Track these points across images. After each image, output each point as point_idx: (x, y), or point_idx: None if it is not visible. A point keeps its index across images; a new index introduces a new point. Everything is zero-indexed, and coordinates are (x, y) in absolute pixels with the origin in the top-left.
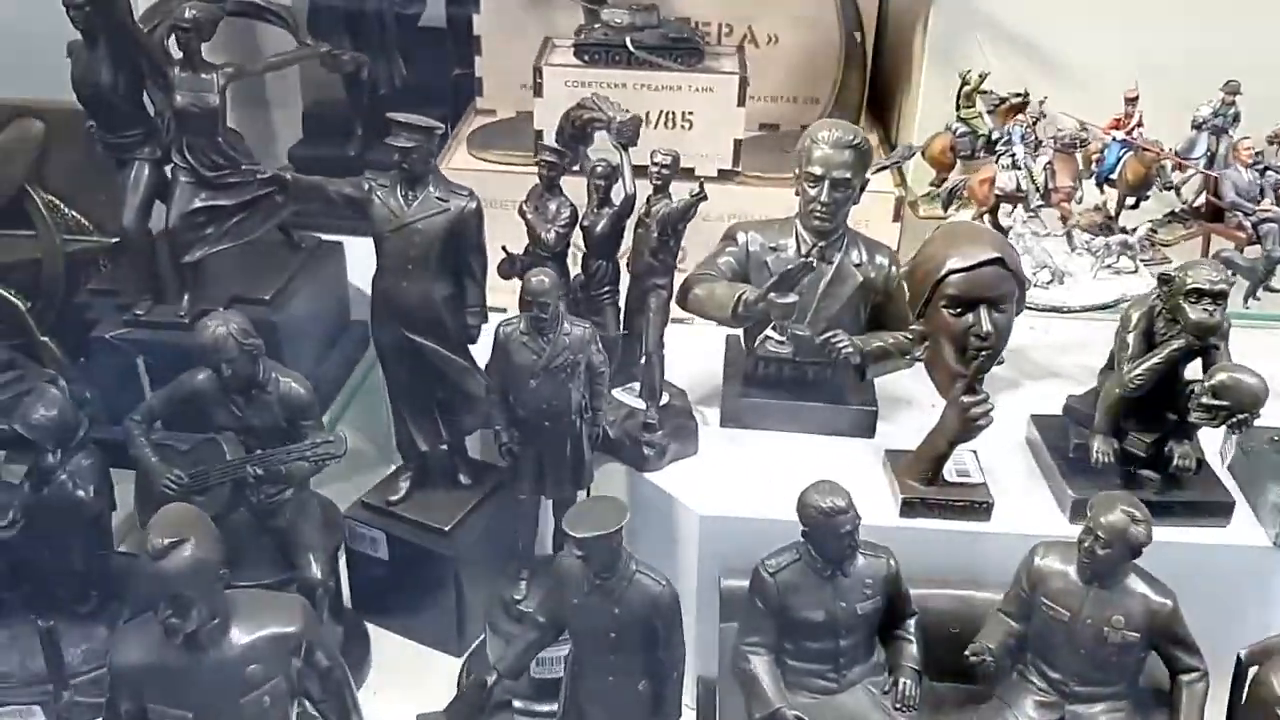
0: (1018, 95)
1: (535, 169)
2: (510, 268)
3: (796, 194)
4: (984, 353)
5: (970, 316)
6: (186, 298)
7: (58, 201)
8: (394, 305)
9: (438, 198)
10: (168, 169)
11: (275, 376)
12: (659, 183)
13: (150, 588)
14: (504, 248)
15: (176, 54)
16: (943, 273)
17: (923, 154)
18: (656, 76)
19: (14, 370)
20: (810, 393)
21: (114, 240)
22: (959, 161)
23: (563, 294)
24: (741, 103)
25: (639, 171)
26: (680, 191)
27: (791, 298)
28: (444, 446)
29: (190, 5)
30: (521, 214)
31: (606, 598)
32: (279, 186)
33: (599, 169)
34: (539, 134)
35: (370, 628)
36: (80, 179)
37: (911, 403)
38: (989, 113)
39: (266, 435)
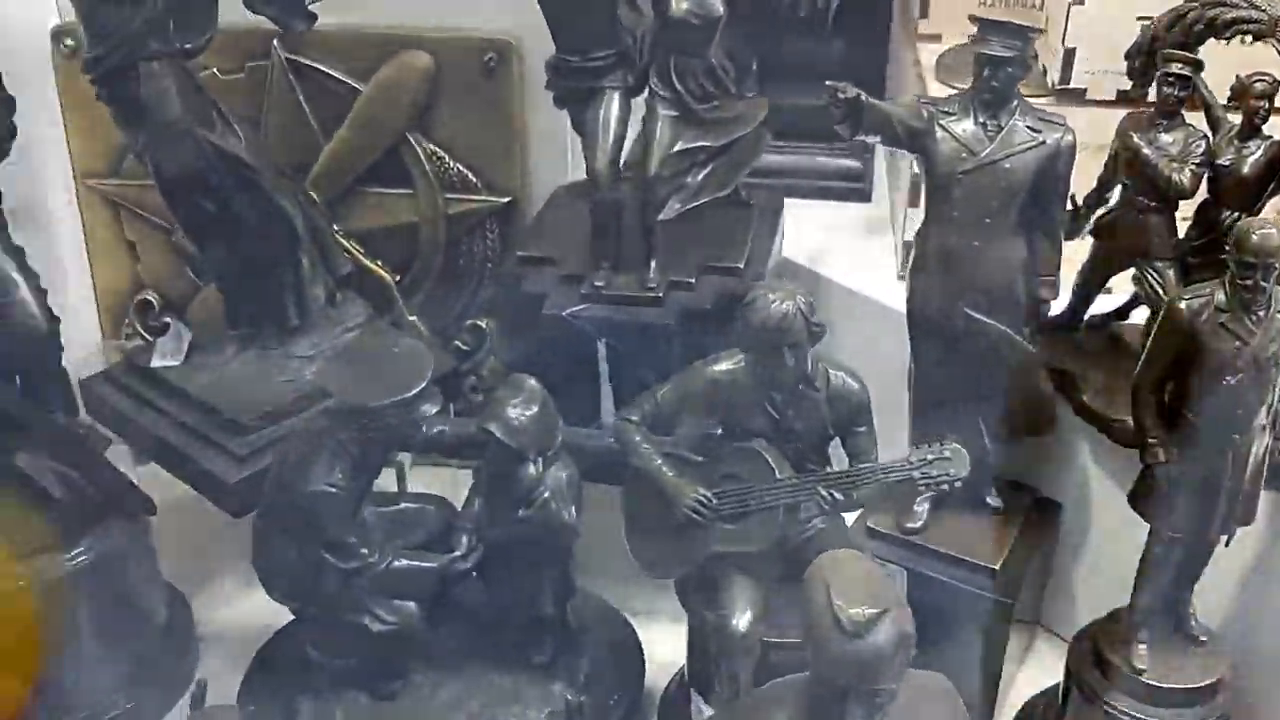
0: None
1: (1144, 92)
2: (1075, 226)
3: None
4: None
5: None
6: (654, 265)
7: (442, 153)
8: (957, 269)
9: (1028, 128)
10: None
11: (824, 369)
12: None
13: (838, 672)
14: (1073, 197)
15: None
16: None
17: None
18: None
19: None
20: None
21: (505, 200)
22: None
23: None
24: None
25: None
26: None
27: None
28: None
29: None
30: (1126, 150)
31: None
32: (851, 112)
33: (1258, 86)
34: (1070, 51)
35: None
36: (470, 127)
37: None
38: None
39: (808, 443)
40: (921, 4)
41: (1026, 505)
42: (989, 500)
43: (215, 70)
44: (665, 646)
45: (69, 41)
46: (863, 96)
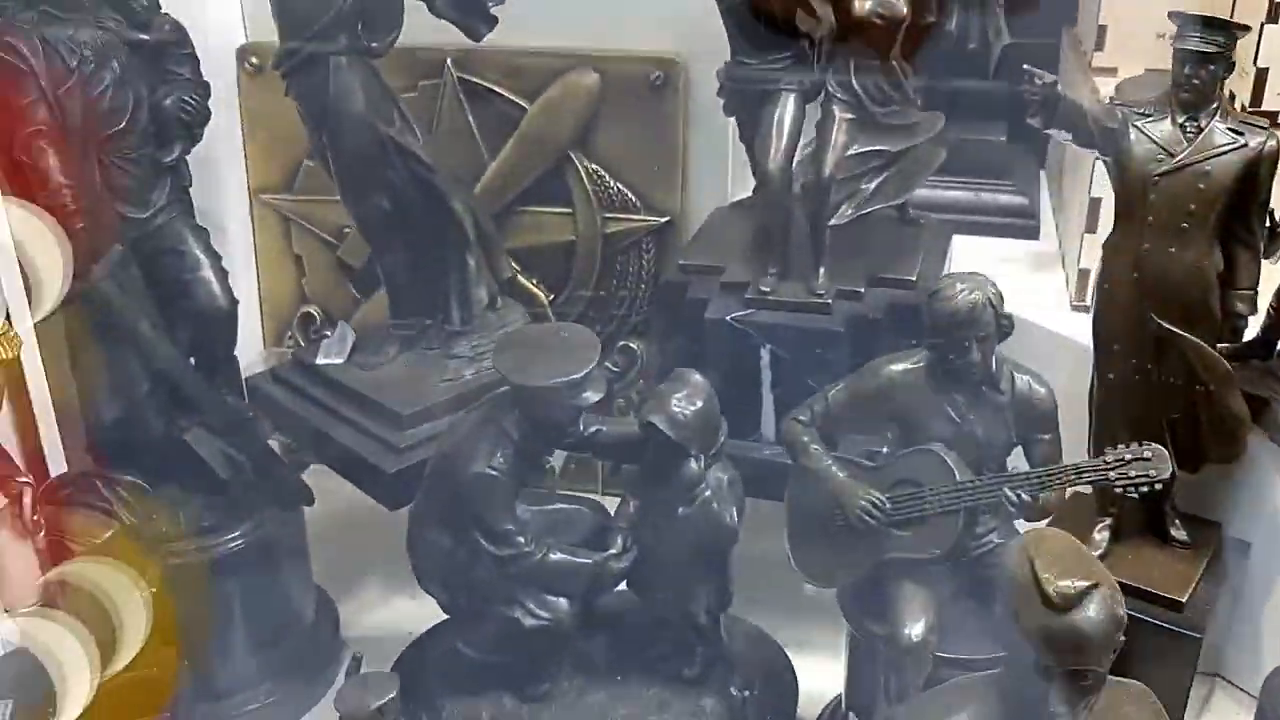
0: None
1: None
2: (1273, 246)
3: None
4: None
5: None
6: (823, 272)
7: (603, 172)
8: (1150, 281)
9: (1230, 129)
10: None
11: (1009, 370)
12: None
13: (1043, 651)
14: (1271, 213)
15: None
16: None
17: None
18: None
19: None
20: None
21: (663, 220)
22: None
23: None
24: None
25: None
26: None
27: None
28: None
29: None
30: None
31: None
32: (1046, 101)
33: None
34: (1262, 72)
35: None
36: (632, 146)
37: None
38: None
39: (988, 451)
40: (1098, 37)
41: (1213, 542)
42: (1173, 533)
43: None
44: (819, 678)
45: (254, 60)
46: (1058, 84)
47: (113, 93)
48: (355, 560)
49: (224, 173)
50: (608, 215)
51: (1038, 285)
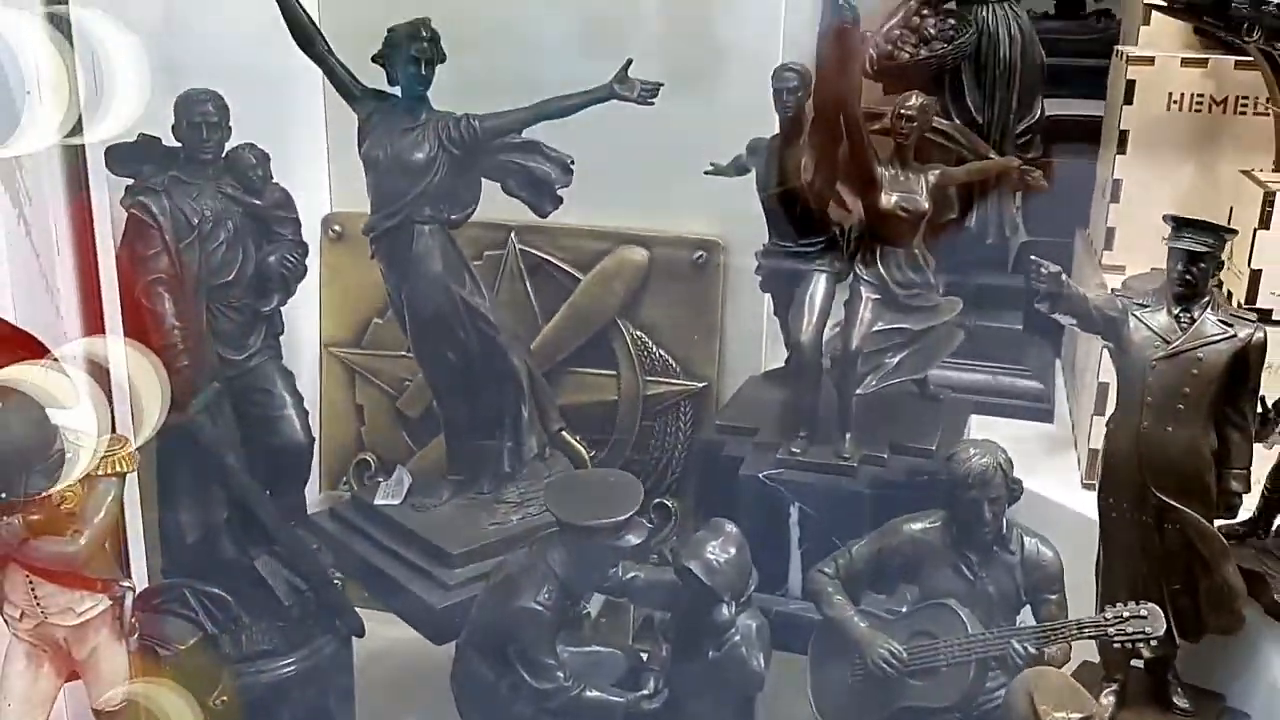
0: None
1: None
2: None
3: None
4: None
5: None
6: (849, 437)
7: (646, 339)
8: (1149, 456)
9: (1220, 321)
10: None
11: (1019, 533)
12: None
13: None
14: (1263, 399)
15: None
16: None
17: None
18: None
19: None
20: None
21: (701, 385)
22: None
23: None
24: None
25: None
26: None
27: None
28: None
29: (916, 93)
30: None
31: None
32: (1052, 289)
33: None
34: (1255, 273)
35: None
36: (675, 316)
37: None
38: None
39: (1000, 608)
40: (1107, 238)
41: (1215, 712)
42: (1176, 701)
43: None
44: None
45: (336, 228)
46: (1063, 275)
47: (226, 249)
48: (399, 692)
49: (300, 325)
50: (649, 379)
51: (1051, 465)
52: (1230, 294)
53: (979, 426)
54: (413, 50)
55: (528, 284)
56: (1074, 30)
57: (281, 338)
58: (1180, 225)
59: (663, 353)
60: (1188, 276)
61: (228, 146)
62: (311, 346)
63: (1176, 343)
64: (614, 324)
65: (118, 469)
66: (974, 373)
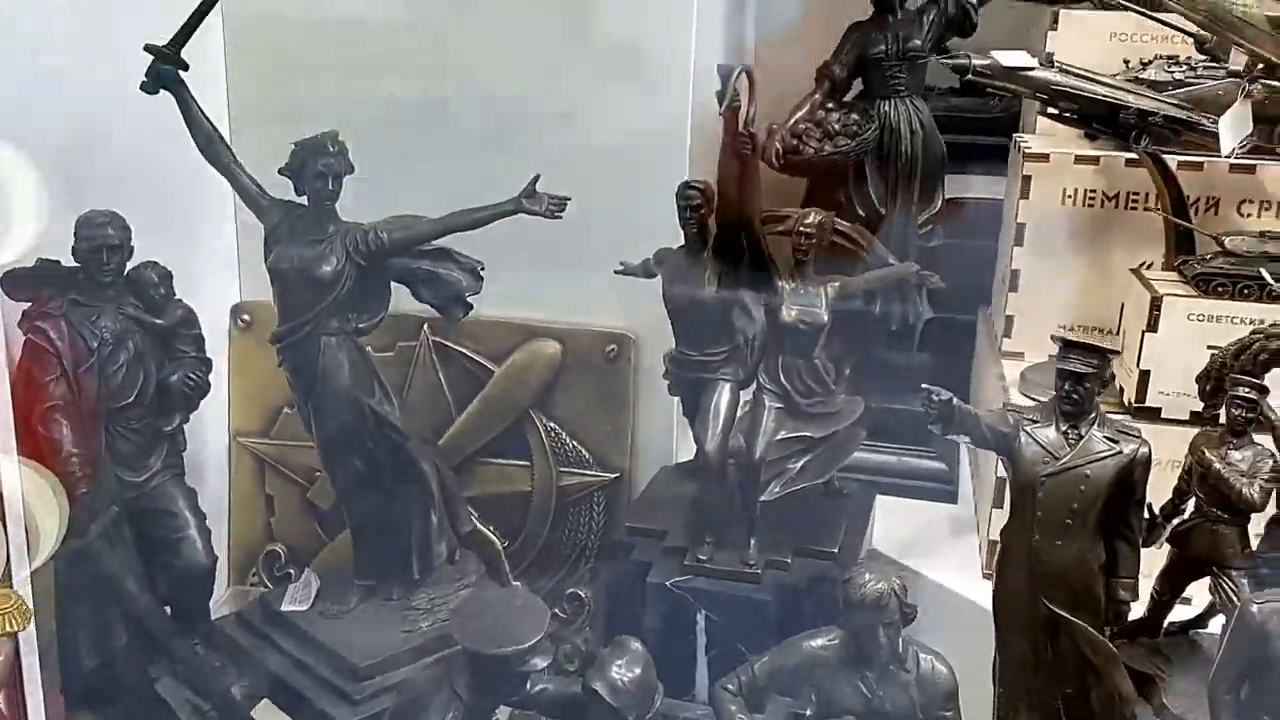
0: None
1: (1215, 413)
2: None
3: None
4: None
5: None
6: (754, 544)
7: (560, 430)
8: (1039, 569)
9: (1106, 438)
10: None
11: (915, 651)
12: None
13: None
14: (1150, 507)
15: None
16: None
17: None
18: None
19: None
20: None
21: (614, 476)
22: None
23: None
24: None
25: None
26: None
27: None
28: None
29: (814, 210)
30: (1200, 465)
31: None
32: (943, 414)
33: None
34: (1144, 374)
35: None
36: (587, 408)
37: None
38: None
39: None
40: (1006, 325)
41: None
42: None
43: (370, 348)
44: None
45: (245, 317)
46: (954, 400)
47: (126, 371)
48: None
49: (208, 414)
50: (563, 470)
51: (954, 549)
52: (1122, 390)
53: (883, 509)
54: (319, 165)
55: (441, 376)
56: (977, 107)
57: (188, 427)
58: (1067, 346)
59: (576, 444)
60: (1074, 395)
61: (130, 265)
62: (220, 436)
63: (1064, 459)
64: (527, 415)
65: (8, 628)
66: (880, 453)
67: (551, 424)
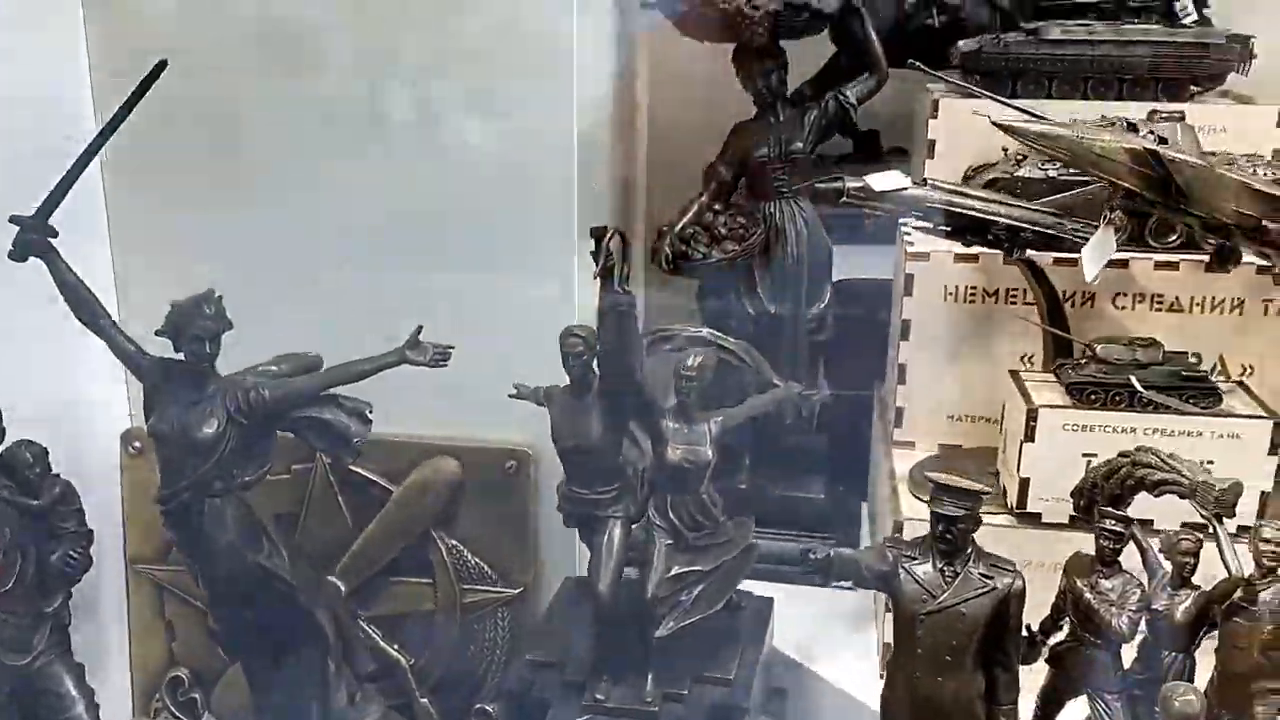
0: None
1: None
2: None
3: None
4: None
5: None
6: (650, 679)
7: (462, 548)
8: (920, 701)
9: (981, 574)
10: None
11: None
12: (1273, 564)
13: None
14: (1028, 625)
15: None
16: None
17: None
18: (1174, 421)
19: None
20: None
21: (517, 591)
22: None
23: None
24: (1274, 450)
25: None
26: None
27: None
28: None
29: (696, 351)
30: (1071, 592)
31: None
32: (820, 568)
33: (1184, 544)
34: (1024, 481)
35: None
36: (489, 524)
37: None
38: None
39: None
40: (896, 416)
41: None
42: None
43: None
44: None
45: (136, 444)
46: (831, 554)
47: (4, 556)
48: None
49: (105, 546)
50: (466, 586)
51: (851, 643)
52: (1005, 492)
53: (784, 599)
54: (195, 329)
55: (339, 498)
56: None
57: (73, 602)
58: (938, 490)
59: (478, 560)
60: (948, 536)
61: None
62: (115, 564)
63: (942, 598)
64: (428, 534)
65: None
66: (780, 540)
67: (453, 541)
